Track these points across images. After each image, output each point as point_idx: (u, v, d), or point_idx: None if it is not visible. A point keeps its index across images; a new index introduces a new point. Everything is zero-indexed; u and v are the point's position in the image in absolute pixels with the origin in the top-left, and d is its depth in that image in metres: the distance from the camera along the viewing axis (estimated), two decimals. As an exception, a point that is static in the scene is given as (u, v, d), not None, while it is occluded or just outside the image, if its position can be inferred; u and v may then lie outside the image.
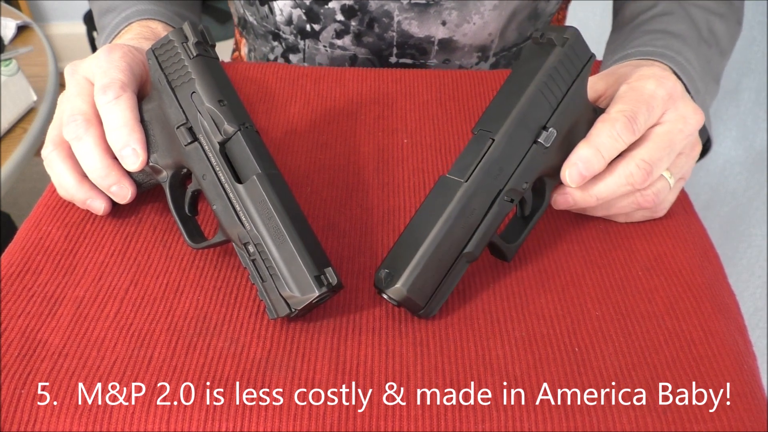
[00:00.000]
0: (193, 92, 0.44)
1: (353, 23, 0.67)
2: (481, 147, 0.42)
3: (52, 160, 0.47)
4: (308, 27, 0.69)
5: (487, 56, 0.72)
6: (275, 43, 0.73)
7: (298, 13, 0.68)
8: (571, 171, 0.43)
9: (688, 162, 0.48)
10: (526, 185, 0.43)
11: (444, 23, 0.67)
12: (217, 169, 0.43)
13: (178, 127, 0.44)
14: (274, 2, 0.69)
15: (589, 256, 0.47)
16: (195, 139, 0.44)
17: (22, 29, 1.38)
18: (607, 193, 0.45)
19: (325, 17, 0.67)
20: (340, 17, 0.67)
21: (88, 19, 1.96)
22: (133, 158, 0.45)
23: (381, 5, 0.66)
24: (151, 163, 0.46)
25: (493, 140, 0.42)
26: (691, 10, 0.59)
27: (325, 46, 0.70)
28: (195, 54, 0.44)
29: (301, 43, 0.71)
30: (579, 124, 0.44)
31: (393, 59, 0.71)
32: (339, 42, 0.69)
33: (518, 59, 0.75)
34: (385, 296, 0.41)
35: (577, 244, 0.48)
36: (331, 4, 0.66)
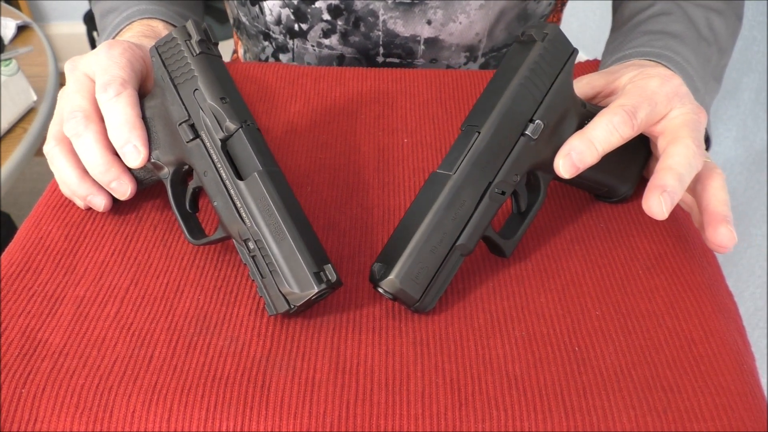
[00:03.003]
0: (196, 89, 0.44)
1: (339, 23, 0.67)
2: (467, 141, 0.43)
3: (54, 156, 0.47)
4: (296, 26, 0.70)
5: (475, 56, 0.72)
6: (266, 43, 0.74)
7: (286, 12, 0.69)
8: (564, 161, 0.43)
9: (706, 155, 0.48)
10: (516, 177, 0.43)
11: (429, 22, 0.67)
12: (219, 165, 0.43)
13: (180, 124, 0.44)
14: (264, 2, 0.69)
15: (590, 256, 0.47)
16: (197, 135, 0.44)
17: (22, 29, 1.38)
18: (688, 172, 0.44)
19: (312, 17, 0.68)
20: (326, 17, 0.67)
21: (88, 19, 1.96)
22: (135, 155, 0.45)
23: (366, 4, 0.66)
24: (152, 160, 0.46)
25: (479, 133, 0.43)
26: (689, 9, 0.59)
27: (313, 46, 0.70)
28: (198, 52, 0.45)
29: (290, 42, 0.71)
30: (568, 118, 0.45)
31: (380, 59, 0.71)
32: (326, 41, 0.69)
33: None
34: (380, 290, 0.41)
35: (578, 244, 0.48)
36: (317, 4, 0.67)
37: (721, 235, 0.43)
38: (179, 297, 0.43)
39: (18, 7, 2.13)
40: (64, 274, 0.44)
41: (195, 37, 0.45)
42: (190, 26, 0.45)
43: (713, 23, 0.58)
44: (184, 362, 0.39)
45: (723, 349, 0.40)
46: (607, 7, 0.71)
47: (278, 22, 0.70)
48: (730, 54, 0.62)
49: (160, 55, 0.46)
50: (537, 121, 0.43)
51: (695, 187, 0.46)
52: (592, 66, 0.65)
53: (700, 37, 0.57)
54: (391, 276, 0.40)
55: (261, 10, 0.70)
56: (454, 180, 0.42)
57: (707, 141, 0.56)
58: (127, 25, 0.59)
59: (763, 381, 0.41)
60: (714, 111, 1.14)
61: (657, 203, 0.42)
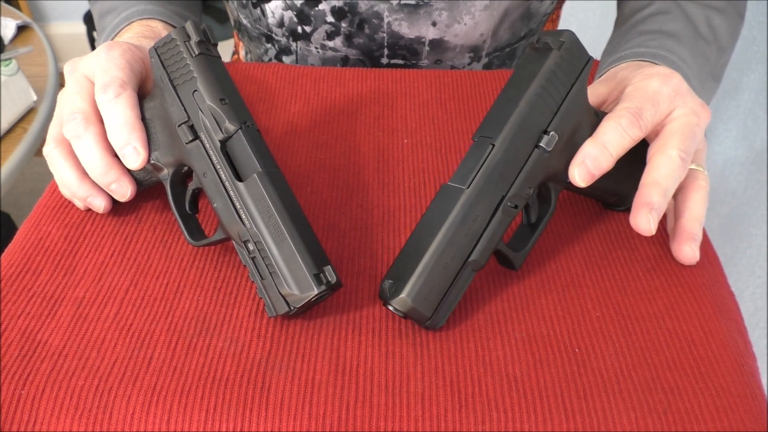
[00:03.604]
0: (195, 90, 0.44)
1: (344, 25, 0.67)
2: (481, 153, 0.42)
3: (53, 158, 0.47)
4: (299, 29, 0.69)
5: (479, 56, 0.72)
6: (268, 45, 0.74)
7: (289, 15, 0.68)
8: (580, 169, 0.43)
9: (701, 158, 0.48)
10: (529, 190, 0.42)
11: (434, 24, 0.67)
12: (218, 167, 0.43)
13: (179, 125, 0.44)
14: (266, 4, 0.69)
15: (590, 257, 0.47)
16: (196, 137, 0.44)
17: (22, 29, 1.39)
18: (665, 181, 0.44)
19: (315, 19, 0.68)
20: (330, 19, 0.67)
21: (88, 19, 1.96)
22: (134, 156, 0.45)
23: (371, 6, 0.66)
24: (152, 161, 0.46)
25: (493, 146, 0.42)
26: (688, 7, 0.59)
27: (316, 48, 0.70)
28: (197, 53, 0.45)
29: (293, 44, 0.71)
30: (581, 128, 0.44)
31: (384, 60, 0.71)
32: (330, 43, 0.69)
33: (514, 62, 0.75)
34: (390, 308, 0.40)
35: (578, 245, 0.48)
36: (321, 6, 0.66)
37: (684, 252, 0.45)
38: (179, 298, 0.43)
39: (18, 7, 2.13)
40: (63, 275, 0.44)
41: (194, 38, 0.45)
42: (189, 27, 0.45)
43: (713, 21, 0.58)
44: (183, 363, 0.39)
45: (723, 350, 0.40)
46: (607, 6, 0.71)
47: (281, 24, 0.70)
48: (731, 52, 0.61)
49: (159, 56, 0.46)
50: (552, 133, 0.42)
51: (677, 195, 0.47)
52: (593, 67, 0.65)
53: (698, 35, 0.57)
54: (403, 294, 0.39)
55: (263, 12, 0.70)
56: (467, 195, 0.41)
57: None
58: (126, 25, 0.59)
59: (763, 382, 0.41)
60: (714, 111, 1.14)
61: (645, 221, 0.43)
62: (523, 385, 0.38)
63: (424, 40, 0.68)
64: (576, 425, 0.37)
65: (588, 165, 0.42)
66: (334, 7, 0.66)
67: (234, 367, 0.39)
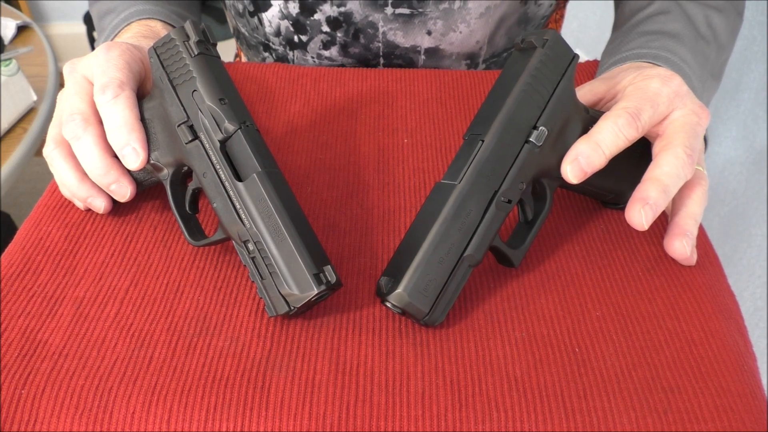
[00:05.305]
0: (194, 90, 0.44)
1: (339, 34, 0.67)
2: (471, 149, 0.42)
3: (53, 159, 0.48)
4: (296, 38, 0.70)
5: (476, 63, 0.71)
6: (266, 54, 0.74)
7: (285, 24, 0.69)
8: (572, 167, 0.43)
9: (700, 158, 0.48)
10: (522, 185, 0.43)
11: (429, 33, 0.67)
12: (218, 167, 0.43)
13: (179, 125, 0.44)
14: (263, 14, 0.69)
15: (590, 257, 0.47)
16: (196, 137, 0.44)
17: (22, 29, 1.39)
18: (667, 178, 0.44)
19: (311, 28, 0.68)
20: (326, 28, 0.67)
21: (88, 19, 1.96)
22: (134, 157, 0.45)
23: (366, 16, 0.66)
24: (152, 161, 0.46)
25: (483, 141, 0.42)
26: (687, 7, 0.59)
27: (313, 57, 0.70)
28: (196, 53, 0.45)
29: (290, 54, 0.71)
30: (571, 124, 0.45)
31: (381, 69, 0.71)
32: (326, 53, 0.69)
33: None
34: (388, 304, 0.40)
35: (578, 245, 0.48)
36: (316, 16, 0.67)
37: (675, 247, 0.45)
38: (179, 298, 0.43)
39: (18, 7, 2.13)
40: (63, 274, 0.44)
41: (193, 38, 0.45)
42: (188, 27, 0.45)
43: (712, 21, 0.58)
44: (183, 363, 0.39)
45: (723, 350, 0.40)
46: (607, 7, 0.71)
47: (278, 33, 0.70)
48: (731, 51, 0.61)
49: (158, 56, 0.46)
50: (541, 128, 0.43)
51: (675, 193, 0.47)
52: (592, 66, 0.65)
53: (698, 35, 0.57)
54: (399, 289, 0.40)
55: (260, 21, 0.70)
56: (459, 189, 0.41)
57: (705, 141, 0.56)
58: (126, 26, 0.59)
59: (763, 382, 0.41)
60: (714, 111, 1.14)
61: (638, 216, 0.43)
62: (523, 385, 0.38)
63: (419, 48, 0.68)
64: (576, 425, 0.37)
65: (580, 162, 0.43)
66: (330, 16, 0.66)
67: (234, 367, 0.39)
